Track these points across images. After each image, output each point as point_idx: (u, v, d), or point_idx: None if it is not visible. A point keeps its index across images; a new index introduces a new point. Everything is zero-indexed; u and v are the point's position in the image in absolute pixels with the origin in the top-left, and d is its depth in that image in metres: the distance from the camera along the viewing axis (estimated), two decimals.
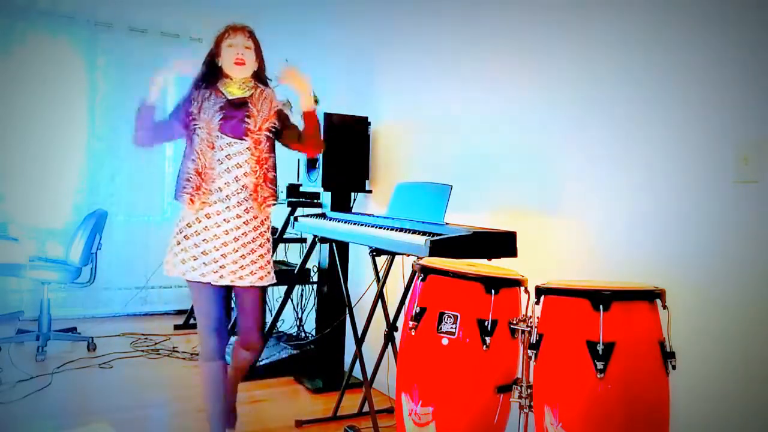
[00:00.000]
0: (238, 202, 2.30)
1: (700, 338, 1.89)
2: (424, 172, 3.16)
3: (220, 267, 2.28)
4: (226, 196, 2.29)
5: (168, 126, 2.38)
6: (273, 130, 2.38)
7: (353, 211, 3.57)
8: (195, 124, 2.29)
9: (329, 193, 3.48)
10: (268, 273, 2.40)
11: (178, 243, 2.32)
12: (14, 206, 4.61)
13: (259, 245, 2.36)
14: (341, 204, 3.50)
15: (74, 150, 4.87)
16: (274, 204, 2.38)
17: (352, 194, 3.61)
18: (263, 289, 2.44)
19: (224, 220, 2.30)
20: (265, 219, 2.39)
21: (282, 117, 2.44)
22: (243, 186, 2.31)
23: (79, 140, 4.88)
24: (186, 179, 2.31)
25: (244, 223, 2.31)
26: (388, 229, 2.45)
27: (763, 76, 1.77)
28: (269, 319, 3.76)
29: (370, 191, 3.58)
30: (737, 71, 1.84)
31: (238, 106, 2.34)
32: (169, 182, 5.33)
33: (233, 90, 2.36)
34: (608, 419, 1.61)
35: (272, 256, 2.49)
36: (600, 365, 1.61)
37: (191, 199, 2.29)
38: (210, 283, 2.29)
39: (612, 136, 2.21)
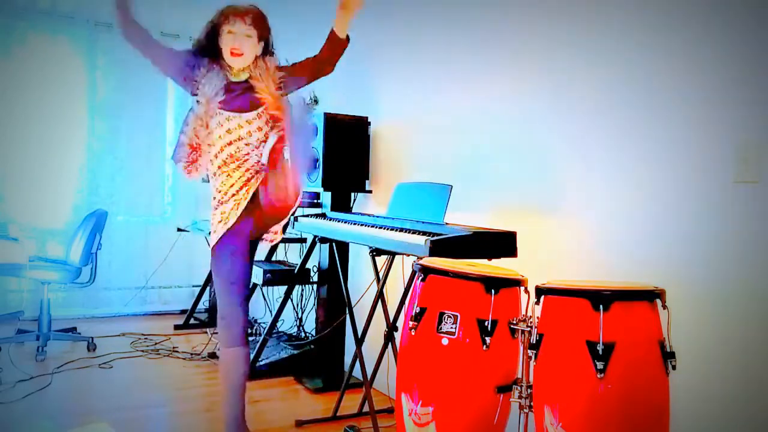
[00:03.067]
0: (241, 176, 2.32)
1: (700, 338, 1.89)
2: (424, 172, 3.16)
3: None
4: (228, 175, 2.31)
5: (161, 55, 2.40)
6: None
7: (353, 211, 3.57)
8: (197, 97, 2.29)
9: (329, 193, 3.48)
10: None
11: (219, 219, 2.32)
12: (14, 206, 4.61)
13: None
14: (341, 204, 3.50)
15: (74, 150, 4.86)
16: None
17: (352, 194, 3.61)
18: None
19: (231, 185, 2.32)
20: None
21: (282, 80, 2.39)
22: (245, 155, 2.32)
23: (79, 140, 4.87)
24: (181, 147, 2.33)
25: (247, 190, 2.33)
26: (388, 229, 2.45)
27: (763, 76, 1.77)
28: (269, 319, 3.76)
29: (370, 191, 3.58)
30: (737, 71, 1.84)
31: (240, 86, 2.34)
32: (169, 183, 5.33)
33: (234, 73, 2.34)
34: (608, 419, 1.62)
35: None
36: (600, 365, 1.61)
37: (188, 170, 2.34)
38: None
39: (612, 136, 2.21)
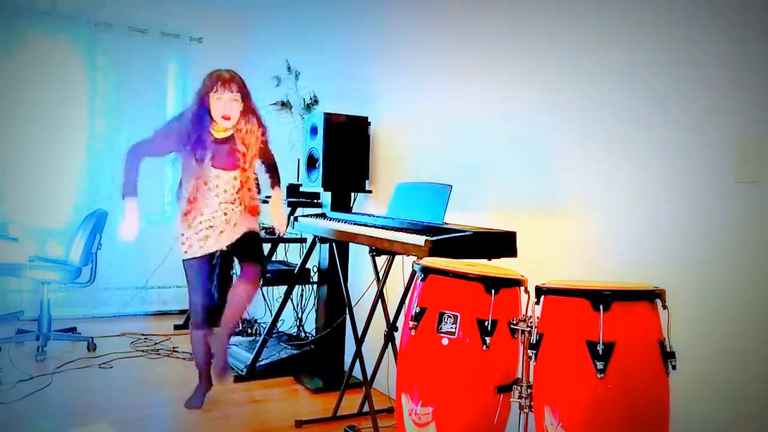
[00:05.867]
0: (224, 212, 2.90)
1: (700, 338, 1.89)
2: (424, 172, 3.16)
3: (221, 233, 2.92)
4: (212, 216, 2.86)
5: (155, 148, 2.86)
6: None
7: (353, 211, 3.57)
8: (191, 159, 2.77)
9: (329, 193, 3.47)
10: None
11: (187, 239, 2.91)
12: (14, 206, 4.60)
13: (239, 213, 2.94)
14: (341, 204, 3.50)
15: (74, 150, 4.86)
16: (259, 212, 2.97)
17: (352, 194, 3.61)
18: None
19: (211, 227, 2.89)
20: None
21: (263, 152, 2.99)
22: (227, 202, 2.89)
23: (79, 140, 4.87)
24: (180, 198, 2.89)
25: (226, 221, 2.91)
26: (388, 229, 2.45)
27: (763, 76, 1.77)
28: (269, 319, 3.76)
29: (370, 191, 3.58)
30: (737, 71, 1.84)
31: (226, 141, 2.83)
32: (169, 183, 5.32)
33: (220, 132, 2.82)
34: (608, 419, 1.62)
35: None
36: (600, 365, 1.61)
37: (183, 218, 2.86)
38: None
39: (612, 136, 2.21)
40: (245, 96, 2.82)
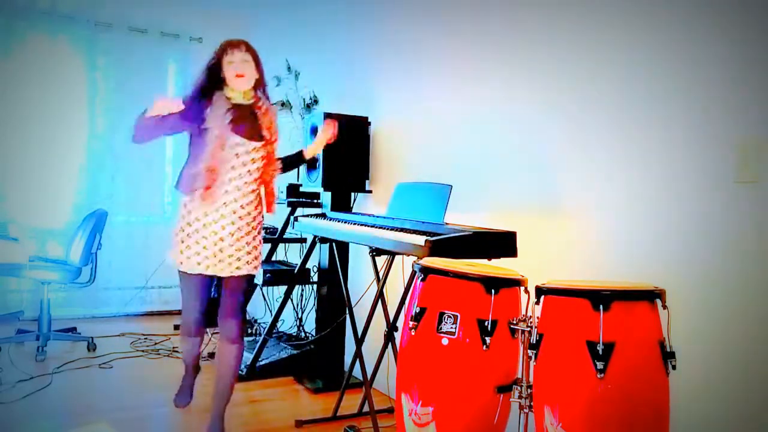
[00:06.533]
0: (234, 198, 2.52)
1: (700, 338, 1.89)
2: (424, 172, 3.16)
3: (219, 261, 2.54)
4: (226, 191, 2.50)
5: (169, 123, 2.47)
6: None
7: (353, 211, 3.57)
8: (206, 125, 2.46)
9: (329, 193, 3.47)
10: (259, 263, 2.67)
11: (182, 241, 2.56)
12: (14, 206, 4.61)
13: (253, 238, 2.61)
14: (341, 204, 3.50)
15: (74, 150, 4.87)
16: (274, 210, 2.67)
17: (352, 194, 3.61)
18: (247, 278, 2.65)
19: (222, 215, 2.51)
20: (258, 214, 2.63)
21: (274, 126, 2.67)
22: (245, 183, 2.54)
23: (79, 140, 4.87)
24: (195, 175, 2.48)
25: (239, 218, 2.54)
26: (388, 229, 2.45)
27: (763, 76, 1.77)
28: (269, 319, 3.76)
29: (370, 191, 3.58)
30: (737, 71, 1.84)
31: (245, 110, 2.56)
32: (169, 182, 5.32)
33: (237, 97, 2.55)
34: (608, 419, 1.61)
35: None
36: (600, 365, 1.61)
37: (203, 196, 2.47)
38: (201, 274, 2.56)
39: (612, 136, 2.21)
40: (257, 62, 2.57)
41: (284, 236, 4.08)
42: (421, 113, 3.24)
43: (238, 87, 2.53)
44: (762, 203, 1.77)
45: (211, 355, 3.83)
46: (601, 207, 2.24)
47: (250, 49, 2.56)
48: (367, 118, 3.53)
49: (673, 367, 1.67)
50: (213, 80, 2.54)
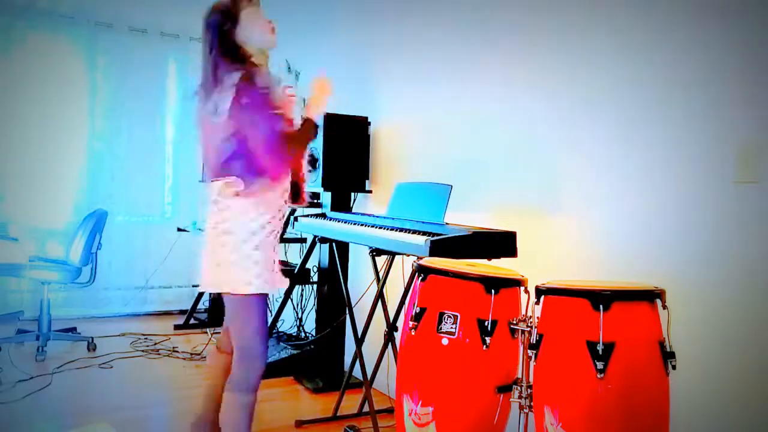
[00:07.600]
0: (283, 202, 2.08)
1: (700, 338, 1.89)
2: (424, 172, 3.16)
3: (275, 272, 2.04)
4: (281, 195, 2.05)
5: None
6: None
7: (353, 211, 3.57)
8: (276, 112, 1.91)
9: (329, 193, 3.47)
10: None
11: (256, 261, 1.95)
12: (14, 206, 4.61)
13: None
14: (341, 204, 3.50)
15: (74, 150, 4.87)
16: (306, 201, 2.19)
17: (352, 194, 3.61)
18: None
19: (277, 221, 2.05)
20: None
21: None
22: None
23: (79, 140, 4.87)
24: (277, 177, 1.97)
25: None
26: (388, 229, 2.45)
27: (763, 76, 1.77)
28: (269, 318, 3.76)
29: (370, 191, 3.58)
30: (737, 71, 1.84)
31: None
32: (169, 182, 5.32)
33: (267, 65, 2.01)
34: (608, 419, 1.62)
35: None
36: (600, 365, 1.61)
37: (274, 183, 1.95)
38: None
39: (612, 136, 2.21)
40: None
41: (284, 236, 4.07)
42: (421, 113, 3.24)
43: (274, 45, 2.04)
44: (762, 203, 1.77)
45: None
46: (601, 207, 2.24)
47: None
48: (367, 118, 3.53)
49: (673, 367, 1.67)
50: (233, 49, 1.96)
